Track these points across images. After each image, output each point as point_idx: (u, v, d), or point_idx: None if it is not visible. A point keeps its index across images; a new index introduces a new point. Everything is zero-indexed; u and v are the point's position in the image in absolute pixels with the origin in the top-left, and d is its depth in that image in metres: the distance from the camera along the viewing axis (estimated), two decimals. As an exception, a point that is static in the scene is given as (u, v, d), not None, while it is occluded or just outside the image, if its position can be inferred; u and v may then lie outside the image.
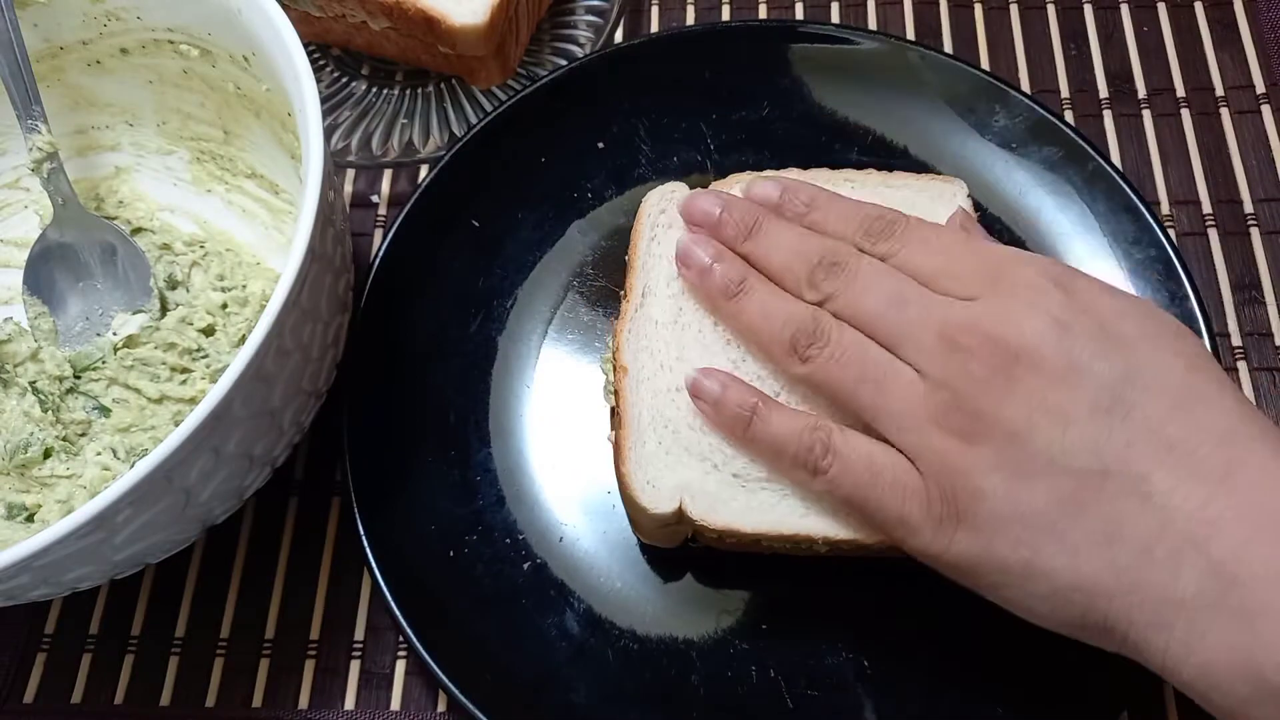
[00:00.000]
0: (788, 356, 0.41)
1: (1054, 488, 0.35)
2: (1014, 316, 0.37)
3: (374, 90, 0.61)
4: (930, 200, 0.48)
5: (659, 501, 0.43)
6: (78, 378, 0.50)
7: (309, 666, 0.48)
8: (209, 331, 0.51)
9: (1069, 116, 0.59)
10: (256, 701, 0.47)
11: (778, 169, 0.51)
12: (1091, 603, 0.35)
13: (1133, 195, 0.51)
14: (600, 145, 0.56)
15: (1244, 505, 0.33)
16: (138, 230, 0.55)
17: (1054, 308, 0.37)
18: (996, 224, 0.53)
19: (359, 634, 0.48)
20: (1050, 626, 0.37)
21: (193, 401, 0.49)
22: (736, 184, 0.49)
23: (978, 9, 0.63)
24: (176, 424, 0.48)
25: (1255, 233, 0.55)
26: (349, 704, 0.47)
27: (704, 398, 0.43)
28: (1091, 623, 0.35)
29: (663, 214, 0.49)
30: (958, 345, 0.38)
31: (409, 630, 0.44)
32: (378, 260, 0.51)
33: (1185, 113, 0.59)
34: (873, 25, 0.63)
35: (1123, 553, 0.34)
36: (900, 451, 0.39)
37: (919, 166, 0.54)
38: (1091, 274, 0.41)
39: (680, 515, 0.43)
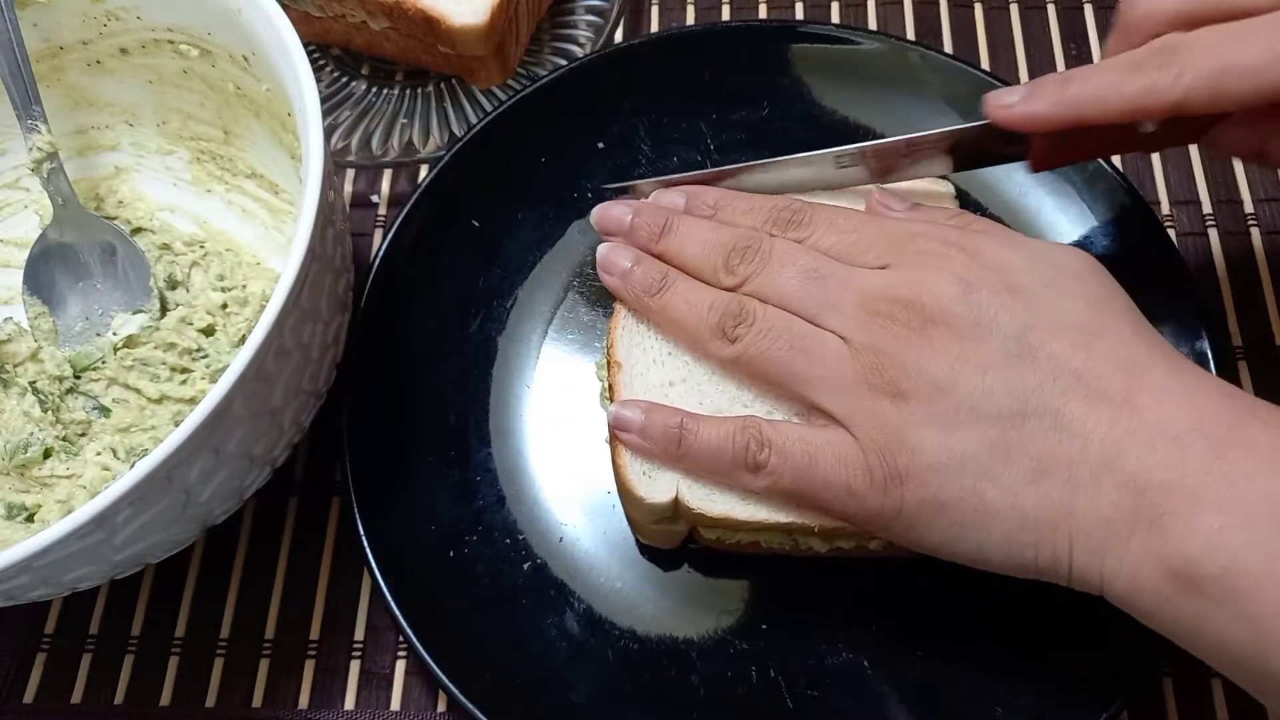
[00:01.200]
0: (716, 339, 0.43)
1: (982, 433, 0.37)
2: (924, 281, 0.40)
3: (374, 90, 0.61)
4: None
5: (655, 491, 0.43)
6: (78, 378, 0.50)
7: (309, 666, 0.48)
8: (209, 331, 0.51)
9: (1069, 116, 0.59)
10: (256, 701, 0.47)
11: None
12: (1039, 539, 0.37)
13: (1132, 195, 0.51)
14: (600, 145, 0.56)
15: (1146, 421, 0.36)
16: (137, 230, 0.55)
17: (958, 269, 0.40)
18: (996, 224, 0.53)
19: (359, 634, 0.48)
20: (1008, 572, 0.38)
21: (193, 401, 0.49)
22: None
23: (978, 9, 0.63)
24: (177, 424, 0.48)
25: (1255, 233, 0.55)
26: (349, 704, 0.47)
27: (628, 428, 0.43)
28: (1043, 560, 0.37)
29: None
30: (877, 310, 0.40)
31: (409, 630, 0.44)
32: (378, 260, 0.51)
33: (1185, 113, 0.59)
34: (873, 25, 0.63)
35: (1053, 484, 0.36)
36: (834, 421, 0.40)
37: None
38: (990, 232, 0.43)
39: (677, 506, 0.43)
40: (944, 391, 0.38)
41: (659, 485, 0.43)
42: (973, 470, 0.37)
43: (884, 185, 0.49)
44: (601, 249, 0.47)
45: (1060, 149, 0.45)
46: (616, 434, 0.44)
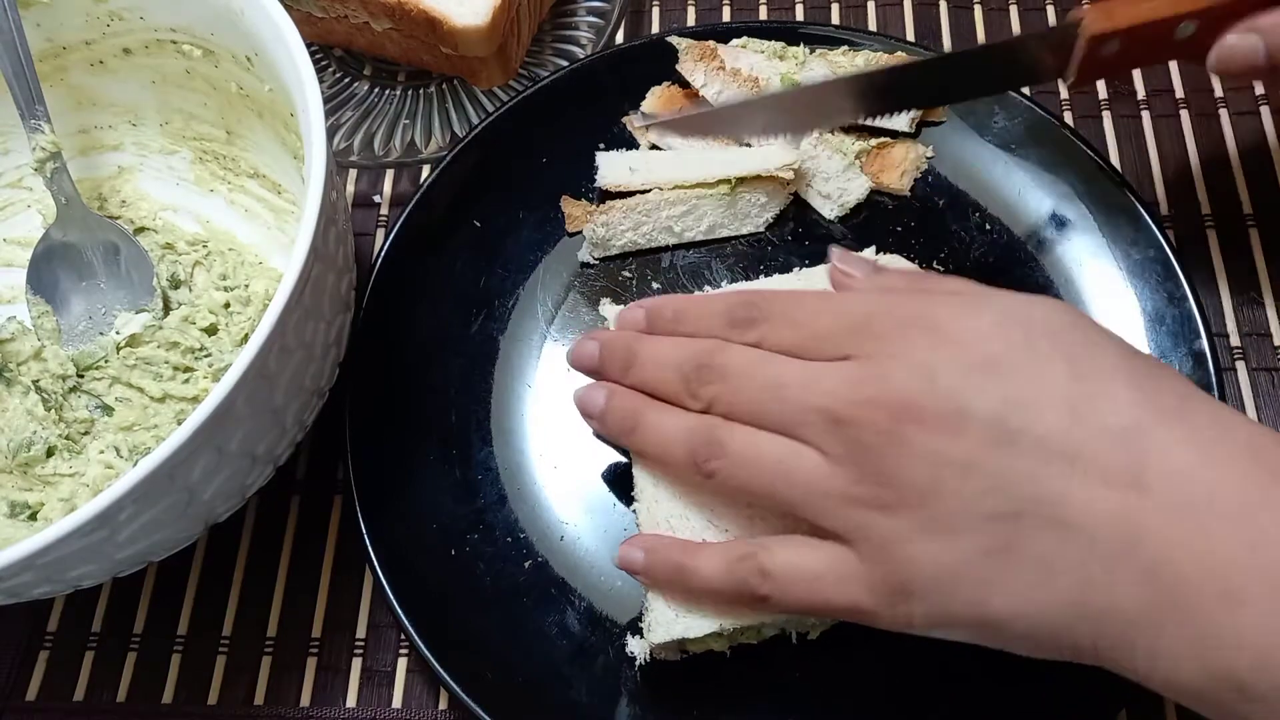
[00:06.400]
0: (692, 474, 0.41)
1: (976, 540, 0.34)
2: (884, 373, 0.37)
3: (376, 91, 0.61)
4: None
5: (692, 628, 0.42)
6: (81, 376, 0.51)
7: (311, 664, 0.48)
8: (212, 330, 0.51)
9: (1068, 118, 0.59)
10: (259, 699, 0.47)
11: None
12: (1058, 639, 0.35)
13: (1131, 196, 0.51)
14: (601, 146, 0.56)
15: (1160, 502, 0.33)
16: (140, 230, 0.55)
17: (920, 353, 0.37)
18: (996, 224, 0.53)
19: (360, 632, 0.49)
20: (1040, 656, 0.36)
21: (195, 400, 0.49)
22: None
23: (978, 10, 0.63)
24: (179, 423, 0.48)
25: (1254, 234, 0.56)
26: (351, 701, 0.47)
27: (634, 569, 0.42)
28: (1068, 649, 0.35)
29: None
30: (842, 420, 0.37)
31: (410, 628, 0.44)
32: (380, 260, 0.52)
33: (1184, 114, 0.59)
34: (873, 26, 0.63)
35: (1063, 585, 0.34)
36: (831, 536, 0.38)
37: (919, 167, 0.54)
38: (952, 292, 0.40)
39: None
40: (929, 499, 0.35)
41: (695, 623, 0.42)
42: (975, 580, 0.34)
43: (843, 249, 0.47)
44: (577, 392, 0.45)
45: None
46: (629, 574, 0.43)
